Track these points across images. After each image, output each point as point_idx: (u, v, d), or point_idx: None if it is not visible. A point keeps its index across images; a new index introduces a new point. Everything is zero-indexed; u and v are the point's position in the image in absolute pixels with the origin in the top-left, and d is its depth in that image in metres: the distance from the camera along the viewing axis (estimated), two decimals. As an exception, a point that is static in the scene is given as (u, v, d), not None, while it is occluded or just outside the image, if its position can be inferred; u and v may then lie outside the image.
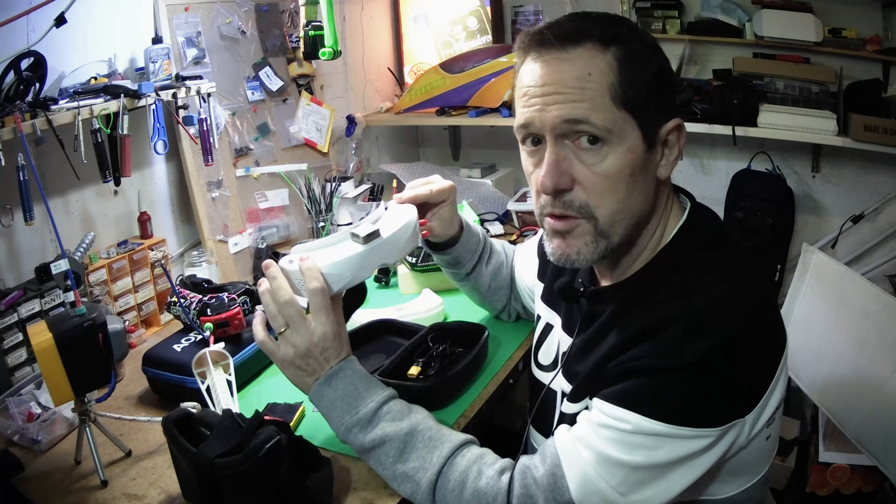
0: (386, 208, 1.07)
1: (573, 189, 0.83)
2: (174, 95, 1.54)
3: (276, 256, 1.76)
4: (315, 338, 0.93)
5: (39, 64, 1.30)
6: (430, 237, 1.18)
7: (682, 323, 0.77)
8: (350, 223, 1.91)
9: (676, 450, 0.77)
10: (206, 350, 1.13)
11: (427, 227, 1.15)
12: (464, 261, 1.25)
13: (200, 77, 1.64)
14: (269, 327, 0.97)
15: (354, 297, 1.07)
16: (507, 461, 0.89)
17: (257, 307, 0.98)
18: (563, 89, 0.80)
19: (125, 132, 1.42)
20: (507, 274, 1.32)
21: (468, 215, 1.83)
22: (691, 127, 2.01)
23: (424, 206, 1.15)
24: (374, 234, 0.98)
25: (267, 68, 1.90)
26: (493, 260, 1.29)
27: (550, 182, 0.82)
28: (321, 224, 1.92)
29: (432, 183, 1.14)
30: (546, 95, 0.81)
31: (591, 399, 0.86)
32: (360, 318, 1.39)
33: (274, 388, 1.23)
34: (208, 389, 1.10)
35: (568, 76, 0.80)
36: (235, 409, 1.00)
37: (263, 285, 0.95)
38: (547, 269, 1.11)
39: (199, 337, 1.25)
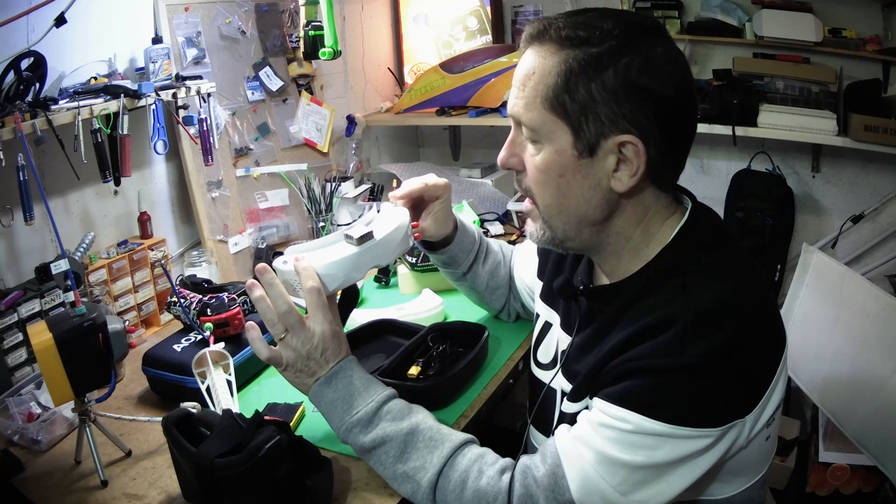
0: (378, 210, 1.09)
1: (524, 171, 0.89)
2: (174, 95, 1.54)
3: (276, 256, 1.76)
4: (315, 339, 0.93)
5: (39, 64, 1.30)
6: (425, 237, 1.19)
7: (683, 323, 0.77)
8: (350, 223, 1.91)
9: (677, 450, 0.77)
10: (206, 350, 1.13)
11: (420, 228, 1.16)
12: (459, 260, 1.25)
13: (200, 77, 1.64)
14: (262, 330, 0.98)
15: (348, 299, 1.08)
16: (508, 461, 0.89)
17: (248, 323, 0.98)
18: (516, 84, 0.86)
19: (125, 132, 1.42)
20: (505, 273, 1.32)
21: (468, 215, 1.83)
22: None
23: (420, 205, 1.16)
24: (367, 236, 1.00)
25: (267, 68, 1.90)
26: (489, 259, 1.29)
27: (500, 158, 0.91)
28: (321, 224, 1.92)
29: (426, 179, 1.16)
30: (512, 87, 0.87)
31: (591, 398, 0.86)
32: (360, 318, 1.39)
33: (274, 388, 1.23)
34: (208, 389, 1.10)
35: (520, 72, 0.85)
36: (235, 409, 1.00)
37: (257, 291, 0.95)
38: (546, 268, 1.11)
39: (199, 337, 1.25)
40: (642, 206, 0.87)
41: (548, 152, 0.84)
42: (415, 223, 1.12)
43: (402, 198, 1.12)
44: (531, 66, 0.83)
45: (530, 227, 0.93)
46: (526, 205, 0.93)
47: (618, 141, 0.81)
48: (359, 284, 1.51)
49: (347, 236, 1.01)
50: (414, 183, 1.14)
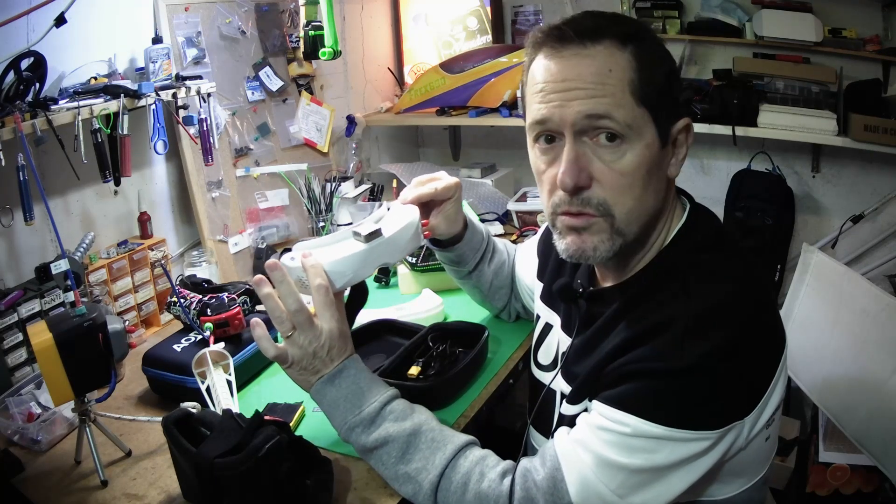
0: (388, 208, 1.08)
1: (591, 186, 0.82)
2: (174, 95, 1.54)
3: (283, 254, 1.76)
4: (322, 337, 0.92)
5: (39, 64, 1.30)
6: (435, 235, 1.18)
7: (682, 325, 0.77)
8: (350, 223, 1.91)
9: (676, 452, 0.77)
10: (206, 350, 1.13)
11: (430, 226, 1.14)
12: (467, 259, 1.25)
13: (200, 77, 1.64)
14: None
15: (357, 297, 1.07)
16: (509, 463, 0.88)
17: (253, 320, 0.95)
18: (584, 85, 0.79)
19: (125, 132, 1.42)
20: (508, 273, 1.32)
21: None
22: (691, 127, 2.01)
23: (430, 204, 1.14)
24: (375, 233, 0.98)
25: (267, 68, 1.90)
26: (495, 258, 1.29)
27: (571, 179, 0.81)
28: (321, 224, 1.92)
29: (438, 180, 1.13)
30: (566, 91, 0.80)
31: (590, 401, 0.86)
32: (360, 317, 1.38)
33: (274, 388, 1.23)
34: (208, 389, 1.10)
35: (588, 72, 0.79)
36: (235, 409, 1.00)
37: (266, 288, 0.93)
38: (546, 269, 1.11)
39: (199, 337, 1.25)
40: (672, 191, 0.90)
41: (638, 149, 0.81)
42: (425, 221, 1.11)
43: (410, 203, 1.09)
44: (601, 63, 0.80)
45: (590, 240, 0.84)
46: (576, 221, 0.84)
47: (682, 125, 0.84)
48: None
49: (356, 233, 0.99)
50: (423, 188, 1.11)
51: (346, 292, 1.05)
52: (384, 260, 1.00)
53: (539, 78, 0.83)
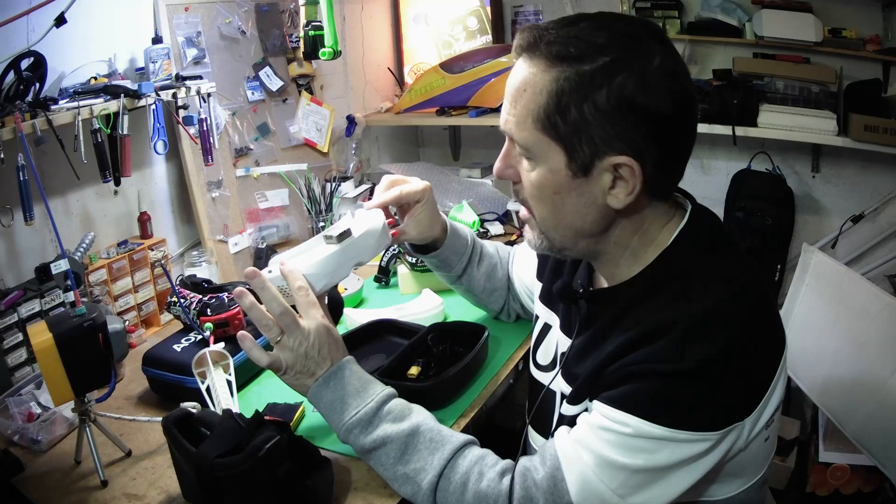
0: (353, 215, 1.12)
1: (521, 182, 0.88)
2: (174, 95, 1.54)
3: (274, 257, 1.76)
4: (311, 336, 0.93)
5: (39, 64, 1.30)
6: (407, 238, 1.18)
7: (683, 327, 0.77)
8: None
9: (676, 453, 0.77)
10: (206, 350, 1.13)
11: (397, 226, 1.16)
12: (451, 263, 1.25)
13: (200, 77, 1.64)
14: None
15: (333, 310, 1.10)
16: (508, 462, 0.89)
17: (239, 333, 0.96)
18: (508, 98, 0.84)
19: (125, 132, 1.42)
20: (502, 276, 1.32)
21: (468, 215, 1.83)
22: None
23: (403, 207, 1.17)
24: (346, 234, 1.04)
25: (267, 68, 1.90)
26: (484, 262, 1.29)
27: (496, 169, 0.90)
28: (321, 224, 1.92)
29: (403, 185, 1.15)
30: (505, 98, 0.85)
31: (590, 401, 0.86)
32: (361, 318, 1.39)
33: (274, 388, 1.23)
34: (208, 389, 1.10)
35: (512, 86, 0.83)
36: (235, 409, 1.00)
37: (247, 299, 0.94)
38: (545, 269, 1.11)
39: (199, 337, 1.25)
40: (640, 216, 0.86)
41: (542, 171, 0.83)
42: (390, 220, 1.13)
43: (376, 207, 1.11)
44: (522, 81, 0.81)
45: (528, 234, 0.93)
46: (523, 213, 0.92)
47: (612, 162, 0.79)
48: (355, 289, 1.52)
49: (327, 237, 1.04)
50: (386, 195, 1.13)
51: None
52: (357, 259, 1.05)
53: None
